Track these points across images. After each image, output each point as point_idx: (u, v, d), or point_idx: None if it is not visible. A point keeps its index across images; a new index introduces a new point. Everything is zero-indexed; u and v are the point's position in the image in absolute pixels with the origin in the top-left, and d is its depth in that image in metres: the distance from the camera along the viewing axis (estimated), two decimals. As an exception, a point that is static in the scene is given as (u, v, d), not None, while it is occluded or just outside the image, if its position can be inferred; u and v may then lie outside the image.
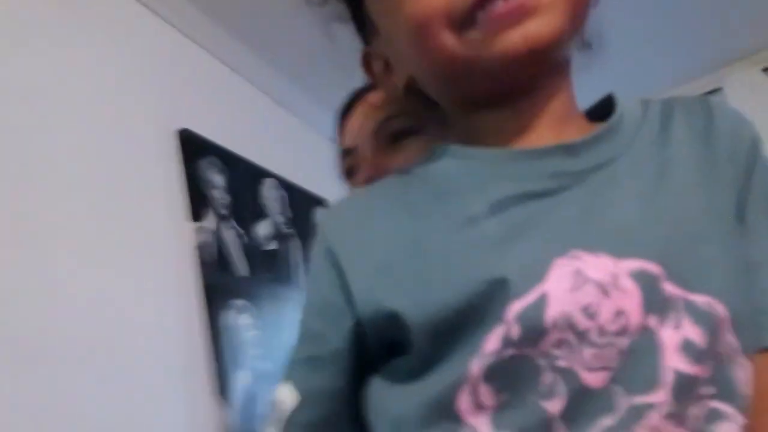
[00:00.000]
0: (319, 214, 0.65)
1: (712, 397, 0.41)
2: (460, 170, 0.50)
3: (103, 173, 1.46)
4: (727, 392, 0.41)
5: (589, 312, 0.41)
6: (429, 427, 0.43)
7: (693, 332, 0.41)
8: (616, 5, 2.43)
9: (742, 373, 0.42)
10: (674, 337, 0.41)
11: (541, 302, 0.41)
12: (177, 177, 1.69)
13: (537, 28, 0.44)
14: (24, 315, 1.16)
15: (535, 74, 0.48)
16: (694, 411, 0.40)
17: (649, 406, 0.39)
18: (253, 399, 1.61)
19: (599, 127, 0.50)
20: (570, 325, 0.40)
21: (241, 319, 1.68)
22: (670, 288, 0.42)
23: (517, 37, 0.44)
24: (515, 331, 0.41)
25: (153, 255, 1.51)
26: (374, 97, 0.79)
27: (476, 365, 0.41)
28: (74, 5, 1.55)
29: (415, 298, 0.45)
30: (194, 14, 1.95)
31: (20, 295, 1.17)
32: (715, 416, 0.41)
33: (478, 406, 0.41)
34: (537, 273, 0.42)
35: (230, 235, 1.78)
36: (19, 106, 1.30)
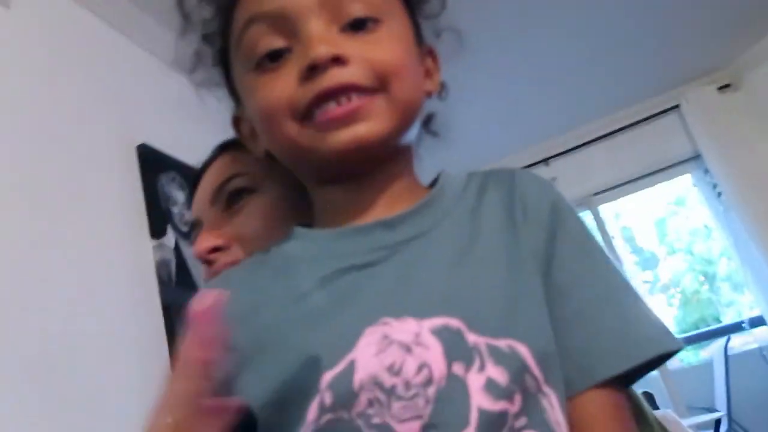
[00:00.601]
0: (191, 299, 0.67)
1: (525, 427, 0.45)
2: (300, 251, 0.56)
3: (61, 189, 1.43)
4: (537, 421, 0.46)
5: (393, 370, 0.45)
6: None
7: (495, 372, 0.45)
8: (576, 19, 2.49)
9: (547, 402, 0.47)
10: (479, 380, 0.45)
11: (350, 369, 0.46)
12: (137, 193, 1.67)
13: (365, 129, 0.51)
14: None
15: (369, 163, 0.55)
16: None
17: None
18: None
19: (416, 203, 0.56)
20: (377, 384, 0.45)
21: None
22: (472, 337, 0.46)
23: (347, 137, 0.51)
24: (328, 398, 0.45)
25: (112, 273, 1.49)
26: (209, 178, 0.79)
27: None
28: (34, 21, 1.53)
29: (260, 385, 0.49)
30: (156, 29, 1.93)
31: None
32: None
33: None
34: (346, 343, 0.47)
35: (191, 252, 1.75)
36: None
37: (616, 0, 2.41)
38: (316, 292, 0.52)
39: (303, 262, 0.55)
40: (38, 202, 1.36)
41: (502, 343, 0.46)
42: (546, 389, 0.47)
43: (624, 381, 0.51)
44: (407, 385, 0.45)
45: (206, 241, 0.74)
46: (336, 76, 0.51)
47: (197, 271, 1.74)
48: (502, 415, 0.44)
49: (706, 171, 3.20)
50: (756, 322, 4.08)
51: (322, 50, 0.50)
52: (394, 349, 0.46)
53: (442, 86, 0.62)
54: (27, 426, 1.16)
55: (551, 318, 0.50)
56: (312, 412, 0.46)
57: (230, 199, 0.76)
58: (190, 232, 1.87)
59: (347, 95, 0.51)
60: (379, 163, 0.56)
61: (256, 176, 0.76)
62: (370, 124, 0.51)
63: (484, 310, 0.48)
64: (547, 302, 0.51)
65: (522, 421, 0.45)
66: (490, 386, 0.45)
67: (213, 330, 0.51)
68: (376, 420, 0.44)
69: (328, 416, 0.45)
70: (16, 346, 1.19)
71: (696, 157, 3.17)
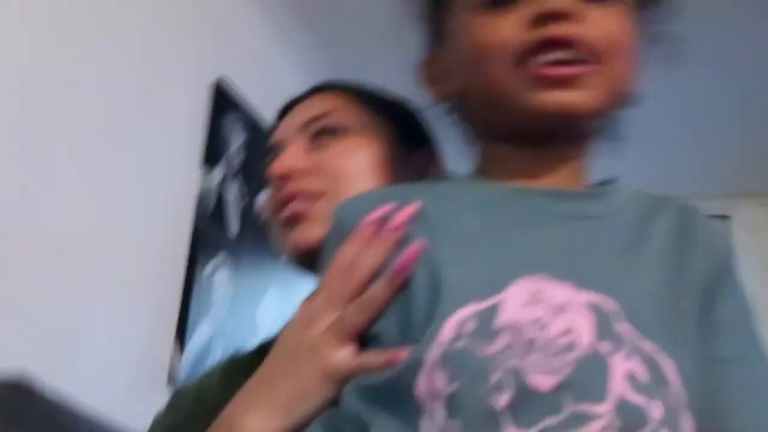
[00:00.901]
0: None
1: None
2: (462, 194, 0.56)
3: (134, 108, 1.47)
4: None
5: (538, 324, 0.45)
6: (393, 408, 0.46)
7: (639, 369, 0.44)
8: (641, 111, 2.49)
9: (686, 425, 0.45)
10: (622, 366, 0.44)
11: (495, 308, 0.45)
12: (200, 124, 1.70)
13: (572, 98, 0.50)
14: (25, 215, 1.19)
15: (561, 133, 0.54)
16: None
17: (592, 415, 0.42)
18: (206, 353, 1.61)
19: (589, 188, 0.57)
20: (518, 332, 0.44)
21: (217, 275, 1.68)
22: (623, 327, 0.45)
23: (554, 100, 0.50)
24: (470, 326, 0.45)
25: (155, 191, 1.52)
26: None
27: (432, 352, 0.45)
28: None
29: (403, 299, 0.51)
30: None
31: (24, 205, 1.19)
32: None
33: (434, 393, 0.44)
34: (498, 283, 0.47)
35: (232, 193, 1.79)
36: (50, 45, 1.31)
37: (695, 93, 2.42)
38: (477, 231, 0.52)
39: (465, 203, 0.55)
40: (113, 115, 1.41)
41: (649, 346, 0.45)
42: (684, 412, 0.45)
43: None
44: (549, 343, 0.44)
45: (288, 160, 0.72)
46: (566, 28, 0.50)
47: (233, 212, 1.77)
48: (641, 411, 0.43)
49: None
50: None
51: (562, 1, 0.50)
52: (543, 307, 0.46)
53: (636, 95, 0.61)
54: (51, 311, 1.19)
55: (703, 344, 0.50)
56: (447, 332, 0.45)
57: (321, 133, 0.74)
58: (239, 172, 1.90)
59: (569, 51, 0.50)
60: (568, 137, 0.56)
61: (352, 121, 0.75)
62: (581, 94, 0.51)
63: (644, 307, 0.48)
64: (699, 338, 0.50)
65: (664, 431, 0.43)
66: (632, 378, 0.44)
67: (397, 235, 0.52)
68: (510, 363, 0.43)
69: (462, 343, 0.45)
70: (44, 224, 1.23)
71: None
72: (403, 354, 0.47)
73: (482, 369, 0.43)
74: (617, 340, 0.45)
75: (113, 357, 1.35)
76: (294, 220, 0.70)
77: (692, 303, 0.51)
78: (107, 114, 1.38)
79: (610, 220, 0.54)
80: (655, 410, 0.43)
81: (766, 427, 0.49)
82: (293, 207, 0.70)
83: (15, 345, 1.10)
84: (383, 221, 0.54)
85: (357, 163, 0.72)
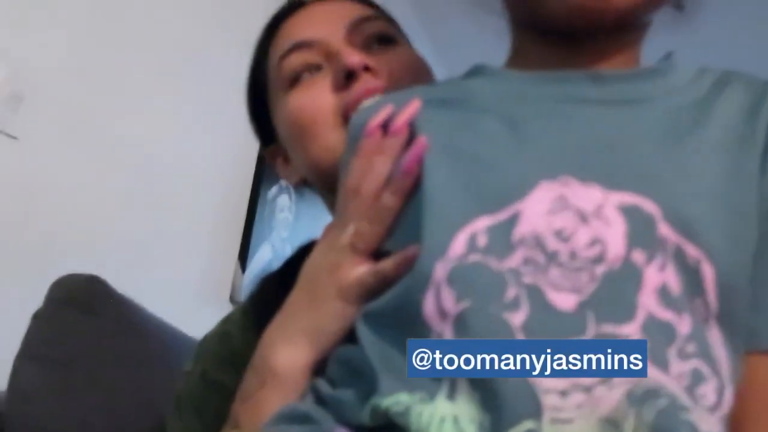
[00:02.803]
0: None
1: (695, 355, 0.39)
2: (488, 88, 0.50)
3: (206, 29, 1.49)
4: (704, 353, 0.40)
5: (562, 235, 0.40)
6: (402, 330, 0.43)
7: (673, 279, 0.40)
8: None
9: (711, 338, 0.41)
10: (655, 279, 0.39)
11: (513, 220, 0.41)
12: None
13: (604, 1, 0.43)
14: (107, 128, 1.21)
15: (603, 30, 0.47)
16: (681, 366, 0.39)
17: (619, 337, 0.38)
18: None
19: (641, 67, 0.48)
20: (539, 245, 0.40)
21: (280, 199, 1.71)
22: (665, 229, 0.40)
23: (576, 5, 0.43)
24: (482, 240, 0.41)
25: (227, 115, 1.53)
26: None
27: (440, 269, 0.41)
28: None
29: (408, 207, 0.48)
30: None
31: (105, 118, 1.21)
32: (698, 377, 0.39)
33: (442, 313, 0.41)
34: (516, 191, 0.42)
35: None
36: None
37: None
38: (497, 130, 0.47)
39: (489, 98, 0.50)
40: (188, 37, 1.43)
41: (692, 251, 0.40)
42: (712, 323, 0.41)
43: None
44: (573, 255, 0.40)
45: (361, 56, 0.65)
46: None
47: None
48: (669, 328, 0.39)
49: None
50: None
51: None
52: (568, 215, 0.41)
53: None
54: (125, 223, 1.23)
55: (763, 257, 0.43)
56: (458, 247, 0.42)
57: (374, 39, 0.69)
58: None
59: None
60: (611, 31, 0.48)
61: (393, 29, 0.71)
62: None
63: (690, 204, 0.41)
64: (764, 240, 0.43)
65: (692, 347, 0.39)
66: (663, 291, 0.39)
67: (400, 139, 0.49)
68: (527, 279, 0.40)
69: (475, 257, 0.41)
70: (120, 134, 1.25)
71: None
72: (415, 250, 0.43)
73: (495, 285, 0.40)
74: (652, 248, 0.40)
75: (180, 272, 1.41)
76: None
77: (750, 193, 0.43)
78: (180, 36, 1.40)
79: (657, 104, 0.46)
80: (683, 325, 0.39)
81: None
82: None
83: (89, 254, 1.15)
84: (385, 127, 0.50)
85: (414, 75, 0.68)
